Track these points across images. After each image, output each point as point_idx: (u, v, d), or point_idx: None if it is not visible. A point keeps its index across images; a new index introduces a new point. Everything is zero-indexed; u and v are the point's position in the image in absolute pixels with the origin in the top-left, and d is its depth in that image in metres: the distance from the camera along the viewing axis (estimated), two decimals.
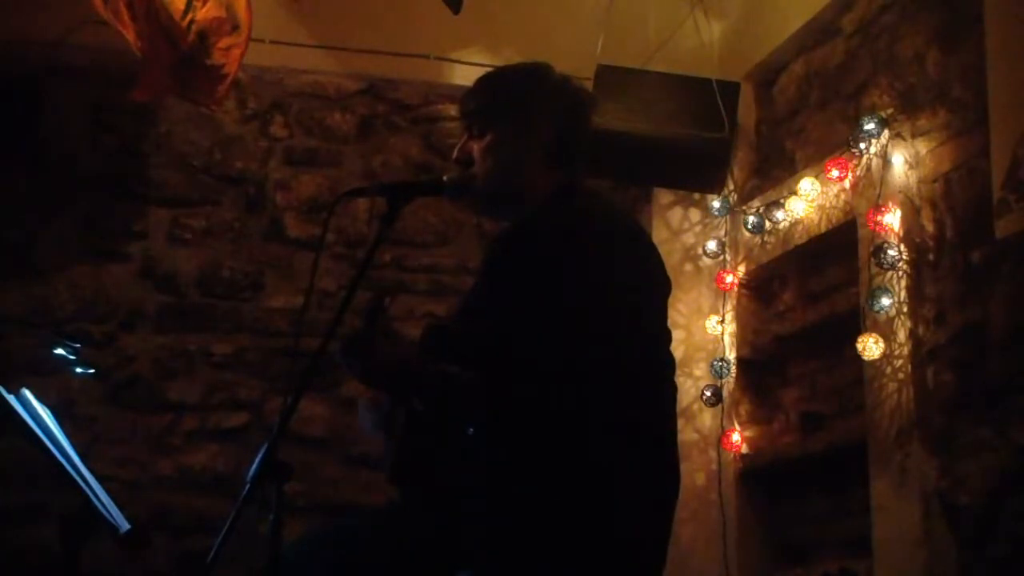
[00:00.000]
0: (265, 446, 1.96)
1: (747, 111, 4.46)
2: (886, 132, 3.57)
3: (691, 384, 4.32)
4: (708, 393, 4.24)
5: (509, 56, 4.65)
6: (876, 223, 3.49)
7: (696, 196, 4.57)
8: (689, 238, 4.57)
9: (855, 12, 3.93)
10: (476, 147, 2.33)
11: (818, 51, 4.15)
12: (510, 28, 4.73)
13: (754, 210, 4.16)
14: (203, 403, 4.50)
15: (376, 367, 2.13)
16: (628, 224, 2.33)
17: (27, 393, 2.64)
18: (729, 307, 4.33)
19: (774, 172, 4.29)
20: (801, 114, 4.22)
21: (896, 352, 3.41)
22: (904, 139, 3.53)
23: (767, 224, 4.09)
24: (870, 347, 3.43)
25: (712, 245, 4.40)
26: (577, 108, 2.38)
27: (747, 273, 4.30)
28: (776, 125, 4.38)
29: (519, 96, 2.36)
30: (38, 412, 2.62)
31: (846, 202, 3.75)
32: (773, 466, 4.07)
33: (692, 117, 4.28)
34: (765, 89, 4.48)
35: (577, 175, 2.34)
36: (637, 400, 2.11)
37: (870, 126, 3.58)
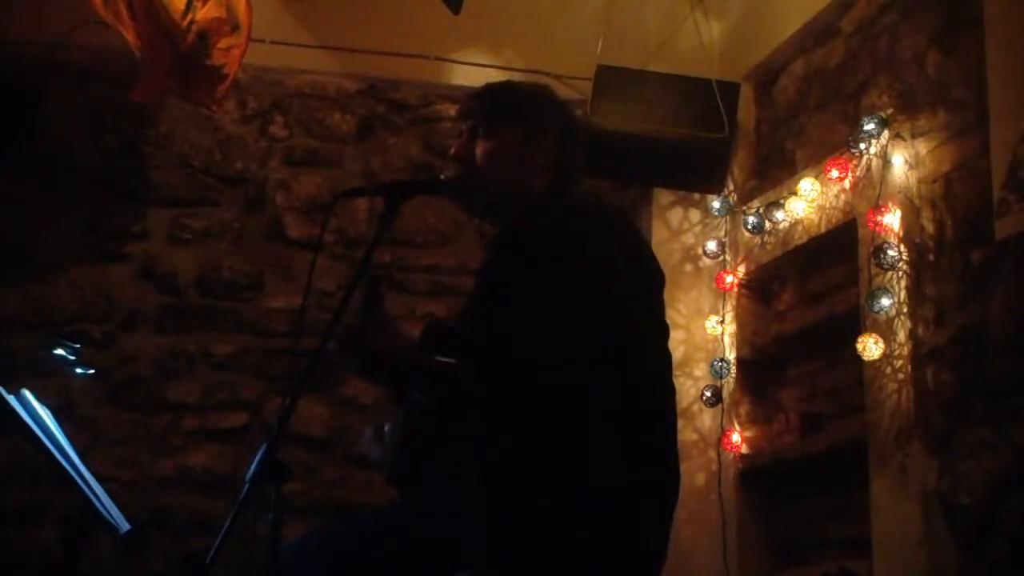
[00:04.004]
0: (264, 446, 1.96)
1: (747, 111, 4.46)
2: (886, 132, 3.57)
3: (691, 384, 4.32)
4: (708, 393, 4.24)
5: (509, 56, 4.66)
6: (876, 223, 3.49)
7: (696, 196, 4.57)
8: (689, 238, 4.57)
9: (855, 12, 3.93)
10: (480, 148, 2.35)
11: (818, 51, 4.15)
12: (510, 28, 4.74)
13: (754, 210, 4.16)
14: (203, 403, 4.50)
15: (374, 359, 2.13)
16: (618, 219, 2.34)
17: (27, 393, 2.65)
18: (729, 307, 4.33)
19: (774, 172, 4.29)
20: (801, 114, 4.21)
21: (896, 352, 3.41)
22: (904, 139, 3.53)
23: (767, 224, 4.09)
24: (870, 347, 3.43)
25: (712, 245, 4.40)
26: (577, 129, 2.46)
27: (747, 273, 4.30)
28: (776, 125, 4.38)
29: (529, 107, 2.41)
30: (38, 412, 2.62)
31: (846, 202, 3.75)
32: (773, 466, 4.07)
33: (692, 117, 4.28)
34: (765, 89, 4.48)
35: (571, 186, 2.38)
36: (635, 397, 2.12)
37: (870, 126, 3.58)
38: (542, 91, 2.51)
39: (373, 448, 2.41)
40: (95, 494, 2.56)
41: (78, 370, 4.13)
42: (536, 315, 2.07)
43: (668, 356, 2.25)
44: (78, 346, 3.70)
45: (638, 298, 2.20)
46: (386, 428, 2.38)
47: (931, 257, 3.38)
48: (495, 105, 2.41)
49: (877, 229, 3.49)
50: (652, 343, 2.21)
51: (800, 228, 4.00)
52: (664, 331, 2.26)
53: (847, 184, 3.74)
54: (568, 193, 2.34)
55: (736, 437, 4.18)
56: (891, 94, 3.65)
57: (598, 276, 2.12)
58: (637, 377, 2.14)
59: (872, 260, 3.46)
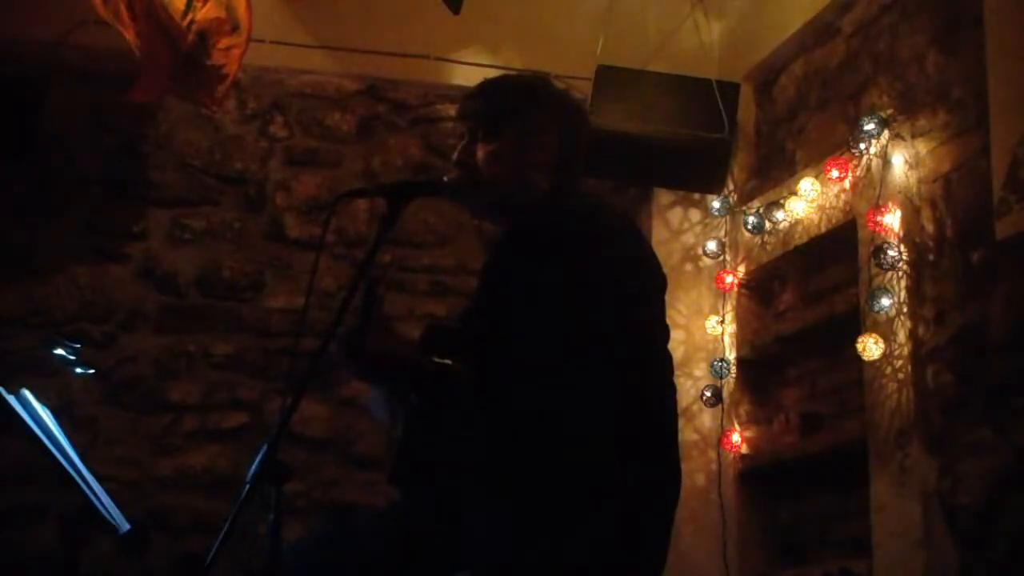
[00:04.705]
0: (265, 447, 1.96)
1: (747, 111, 4.46)
2: (886, 132, 3.57)
3: (691, 384, 4.32)
4: (708, 393, 4.24)
5: (509, 56, 4.66)
6: (876, 223, 3.49)
7: (696, 196, 4.57)
8: (689, 238, 4.57)
9: (855, 12, 3.93)
10: (481, 151, 2.34)
11: (818, 51, 4.15)
12: (510, 28, 4.74)
13: (754, 210, 4.16)
14: (203, 403, 4.50)
15: (372, 360, 2.13)
16: (622, 222, 2.34)
17: (27, 393, 2.65)
18: (729, 307, 4.33)
19: (774, 172, 4.29)
20: (801, 114, 4.22)
21: (896, 352, 3.41)
22: (904, 139, 3.53)
23: (767, 224, 4.09)
24: (870, 347, 3.43)
25: (712, 245, 4.40)
26: (578, 121, 2.42)
27: (747, 273, 4.30)
28: (776, 125, 4.38)
29: (527, 106, 2.38)
30: (38, 412, 2.62)
31: (846, 202, 3.75)
32: (773, 466, 4.07)
33: (692, 117, 4.28)
34: (765, 89, 4.48)
35: (575, 182, 2.36)
36: (636, 399, 2.11)
37: (870, 126, 3.58)
38: (540, 85, 2.48)
39: (377, 408, 2.40)
40: (95, 494, 2.57)
41: (78, 370, 4.12)
42: (538, 318, 2.06)
43: (669, 358, 2.25)
44: (78, 346, 3.69)
45: (641, 302, 2.20)
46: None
47: (931, 257, 3.38)
48: (492, 105, 2.38)
49: (877, 229, 3.49)
50: (654, 345, 2.21)
51: (800, 228, 4.00)
52: (665, 333, 2.26)
53: (847, 184, 3.74)
54: (572, 195, 2.33)
55: (736, 437, 4.18)
56: (891, 94, 3.65)
57: (601, 279, 2.12)
58: (638, 379, 2.13)
59: (872, 260, 3.46)
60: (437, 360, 2.10)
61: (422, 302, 4.67)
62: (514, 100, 2.39)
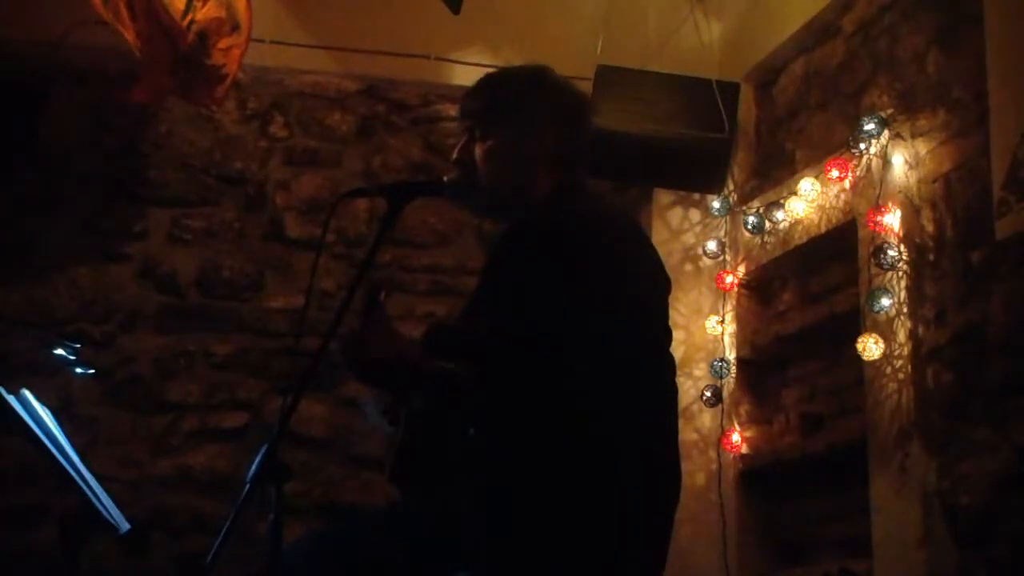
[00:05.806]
0: (265, 447, 1.96)
1: (747, 111, 4.46)
2: (886, 132, 3.57)
3: (691, 384, 4.32)
4: (708, 393, 4.24)
5: (509, 56, 4.66)
6: (876, 223, 3.49)
7: (696, 196, 4.57)
8: (689, 238, 4.57)
9: (855, 12, 3.93)
10: (478, 150, 2.33)
11: (818, 51, 4.15)
12: (510, 28, 4.74)
13: (754, 210, 4.16)
14: (203, 403, 4.50)
15: (374, 363, 2.13)
16: (627, 224, 2.33)
17: (27, 393, 2.65)
18: (729, 307, 4.33)
19: (774, 172, 4.29)
20: (801, 114, 4.22)
21: (896, 352, 3.41)
22: (904, 139, 3.53)
23: (767, 224, 4.09)
24: (870, 347, 3.43)
25: (712, 245, 4.40)
26: (578, 112, 2.39)
27: (747, 273, 4.30)
28: (776, 125, 4.38)
29: (522, 100, 2.35)
30: (38, 412, 2.62)
31: (846, 202, 3.75)
32: (773, 466, 4.07)
33: (692, 117, 4.28)
34: (765, 89, 4.48)
35: (578, 177, 2.34)
36: (638, 400, 2.11)
37: (870, 126, 3.58)
38: (537, 80, 2.41)
39: (372, 412, 2.40)
40: (95, 494, 2.57)
41: (78, 370, 4.12)
42: (536, 318, 2.06)
43: (672, 360, 2.25)
44: (78, 346, 3.69)
45: (644, 304, 2.20)
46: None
47: (931, 257, 3.38)
48: (489, 103, 2.37)
49: (877, 229, 3.49)
50: (657, 347, 2.21)
51: (800, 228, 4.00)
52: (668, 336, 2.25)
53: (847, 184, 3.74)
54: (576, 195, 2.31)
55: (736, 437, 4.18)
56: (891, 94, 3.65)
57: (601, 280, 2.11)
58: (641, 381, 2.13)
59: (872, 260, 3.46)
60: (439, 364, 2.10)
61: (422, 302, 4.67)
62: (509, 96, 2.36)
